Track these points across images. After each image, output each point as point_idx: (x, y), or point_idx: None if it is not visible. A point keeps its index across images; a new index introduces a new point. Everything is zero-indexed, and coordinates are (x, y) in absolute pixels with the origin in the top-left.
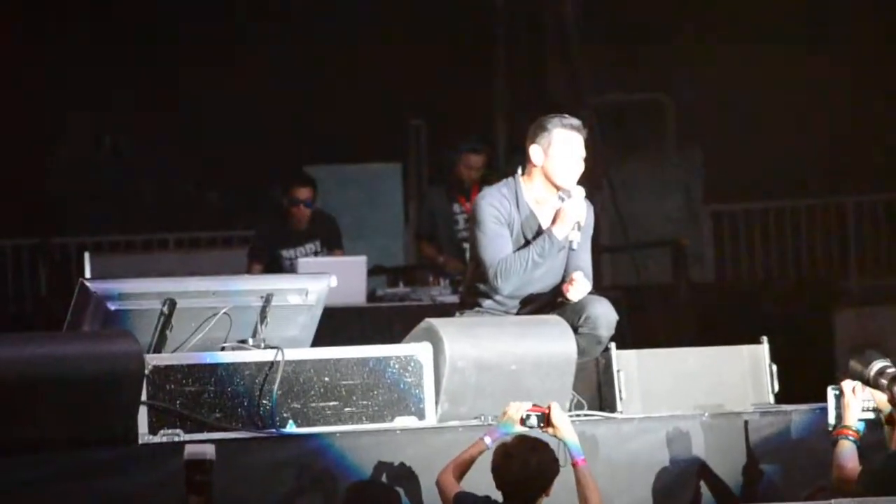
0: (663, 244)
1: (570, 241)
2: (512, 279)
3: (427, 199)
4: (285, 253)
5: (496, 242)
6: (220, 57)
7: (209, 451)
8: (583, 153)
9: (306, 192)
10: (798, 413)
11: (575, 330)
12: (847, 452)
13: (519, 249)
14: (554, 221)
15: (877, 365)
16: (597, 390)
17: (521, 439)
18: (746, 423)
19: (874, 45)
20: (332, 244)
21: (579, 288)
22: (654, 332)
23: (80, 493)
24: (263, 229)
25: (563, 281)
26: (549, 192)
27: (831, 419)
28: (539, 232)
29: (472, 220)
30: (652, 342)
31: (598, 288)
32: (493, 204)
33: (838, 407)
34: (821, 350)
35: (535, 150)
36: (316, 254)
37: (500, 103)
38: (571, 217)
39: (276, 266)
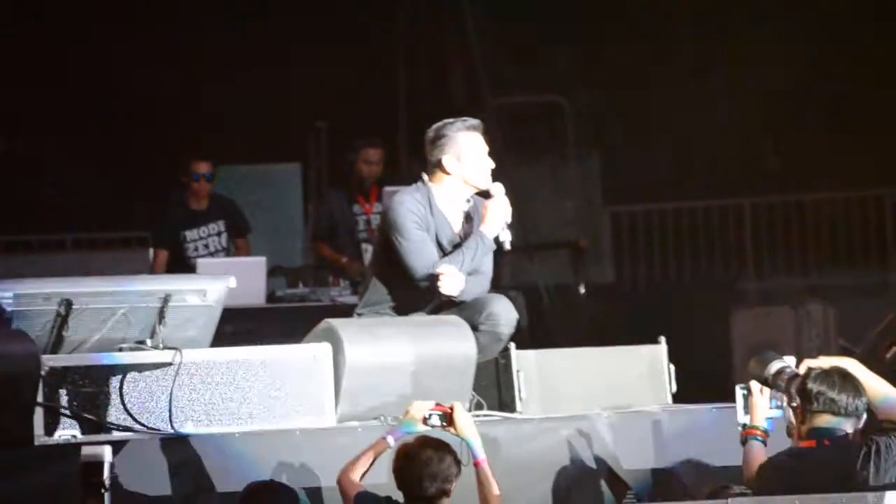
0: (562, 246)
1: (502, 242)
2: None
3: (326, 200)
4: (189, 234)
5: (423, 248)
6: (115, 53)
7: (105, 452)
8: (487, 149)
9: (206, 167)
10: (696, 412)
11: (476, 328)
12: (756, 452)
13: (449, 254)
14: (483, 221)
15: (775, 366)
16: (496, 390)
17: (423, 440)
18: (656, 417)
19: (774, 44)
20: (236, 223)
21: (448, 282)
22: (554, 333)
23: None
24: (165, 213)
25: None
26: (459, 195)
27: (740, 419)
28: (452, 236)
29: (390, 226)
30: (551, 342)
31: (498, 287)
32: (412, 210)
33: (746, 406)
34: (718, 350)
35: (448, 161)
36: (220, 234)
37: (401, 105)
38: (499, 216)
39: (179, 251)
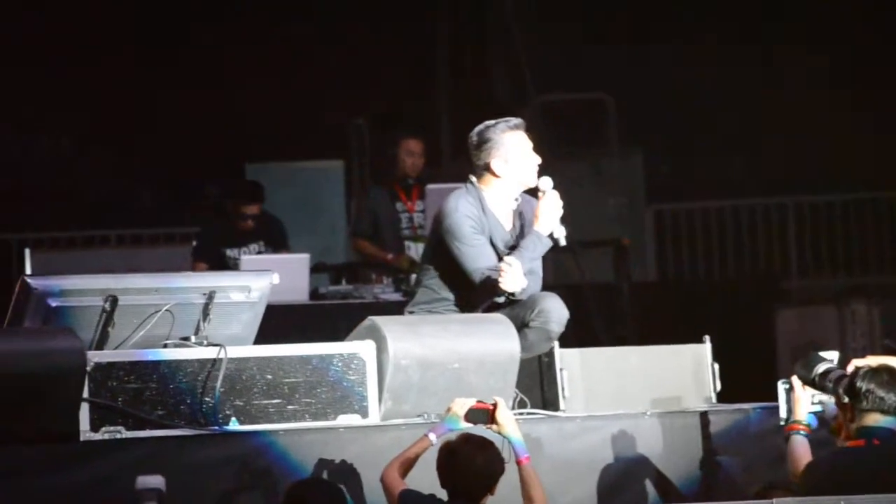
0: (605, 244)
1: (557, 238)
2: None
3: (368, 197)
4: (230, 252)
5: (484, 252)
6: (159, 56)
7: (159, 481)
8: (531, 145)
9: (255, 209)
10: (741, 412)
11: (526, 324)
12: (800, 447)
13: (506, 255)
14: (535, 220)
15: (821, 367)
16: (540, 389)
17: (466, 438)
18: (701, 417)
19: (820, 43)
20: (277, 245)
21: (511, 275)
22: (597, 332)
23: (20, 491)
24: (208, 230)
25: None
26: (509, 196)
27: (783, 413)
28: (505, 236)
29: (446, 231)
30: (594, 341)
31: (542, 286)
32: (468, 214)
33: (789, 401)
34: (762, 349)
35: (497, 164)
36: (259, 253)
37: (443, 103)
38: (552, 212)
39: (220, 265)
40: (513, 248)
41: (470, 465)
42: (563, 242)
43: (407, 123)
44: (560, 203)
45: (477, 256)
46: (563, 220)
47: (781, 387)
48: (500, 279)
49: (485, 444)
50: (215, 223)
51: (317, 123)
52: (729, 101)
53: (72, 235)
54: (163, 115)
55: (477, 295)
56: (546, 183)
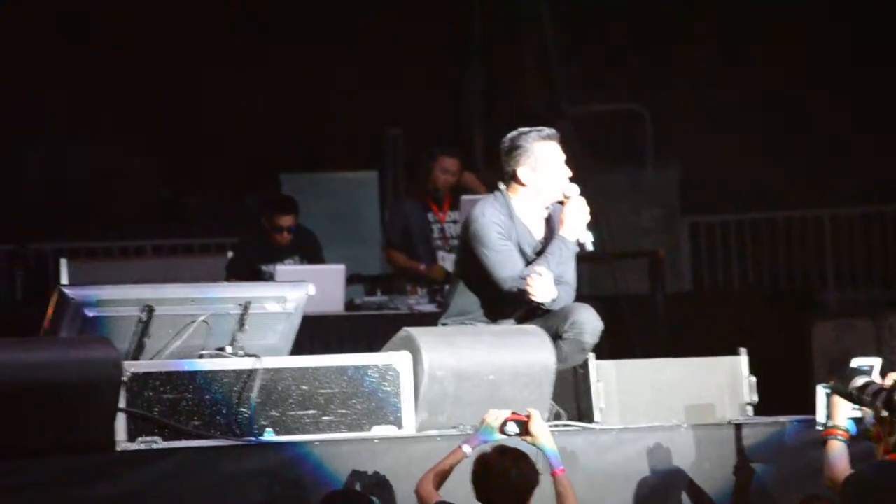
0: (640, 255)
1: (583, 243)
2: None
3: (399, 209)
4: (265, 268)
5: (510, 258)
6: (197, 66)
7: None
8: (563, 157)
9: (289, 220)
10: (777, 424)
11: (560, 336)
12: (837, 452)
13: (532, 262)
14: (561, 225)
15: (859, 381)
16: (575, 401)
17: (501, 450)
18: (737, 429)
19: (851, 57)
20: (312, 259)
21: (539, 284)
22: (632, 344)
23: (56, 501)
24: (243, 246)
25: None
26: (537, 204)
27: (821, 418)
28: (534, 244)
29: (473, 237)
30: (629, 353)
31: (576, 297)
32: (495, 221)
33: (828, 406)
34: (798, 362)
35: (524, 172)
36: None
37: (477, 113)
38: (577, 218)
39: (255, 278)
40: (541, 255)
41: (504, 478)
42: (589, 247)
43: (440, 134)
44: (586, 208)
45: (503, 263)
46: (598, 231)
47: (821, 391)
48: (529, 289)
49: (519, 457)
50: (251, 239)
51: (351, 134)
52: (765, 112)
53: (108, 245)
54: (199, 126)
55: (507, 303)
56: (572, 189)
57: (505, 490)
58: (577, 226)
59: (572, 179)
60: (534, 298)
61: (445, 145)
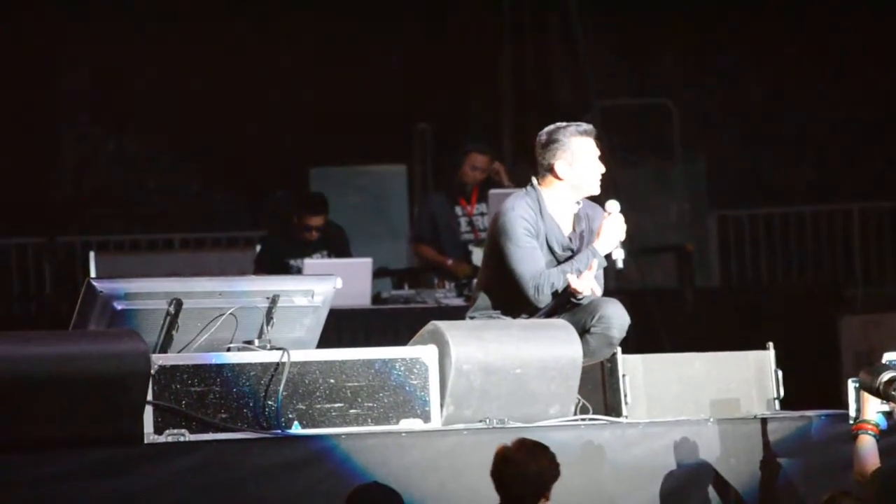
0: (669, 249)
1: (615, 260)
2: (551, 294)
3: (427, 202)
4: (293, 262)
5: (532, 256)
6: (225, 59)
7: None
8: (598, 153)
9: (319, 220)
10: (804, 419)
11: (587, 330)
12: (867, 447)
13: (557, 265)
14: (597, 237)
15: (886, 376)
16: (602, 394)
17: (521, 444)
18: (764, 423)
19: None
20: (340, 254)
21: (580, 280)
22: (659, 338)
23: (84, 493)
24: (272, 242)
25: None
26: (569, 200)
27: (852, 412)
28: (563, 240)
29: (500, 231)
30: (657, 347)
31: (604, 292)
32: (524, 216)
33: (858, 400)
34: (826, 357)
35: (560, 167)
36: None
37: (506, 106)
38: (615, 234)
39: (283, 272)
40: (568, 251)
41: (523, 473)
42: (619, 265)
43: (469, 128)
44: (624, 227)
45: (524, 258)
46: (626, 226)
47: (851, 385)
48: (572, 285)
49: (538, 451)
50: (279, 234)
51: (380, 128)
52: (794, 106)
53: (135, 238)
54: (228, 119)
55: (523, 299)
56: (614, 206)
57: (522, 484)
58: (612, 242)
59: (604, 175)
60: (576, 291)
61: (477, 141)
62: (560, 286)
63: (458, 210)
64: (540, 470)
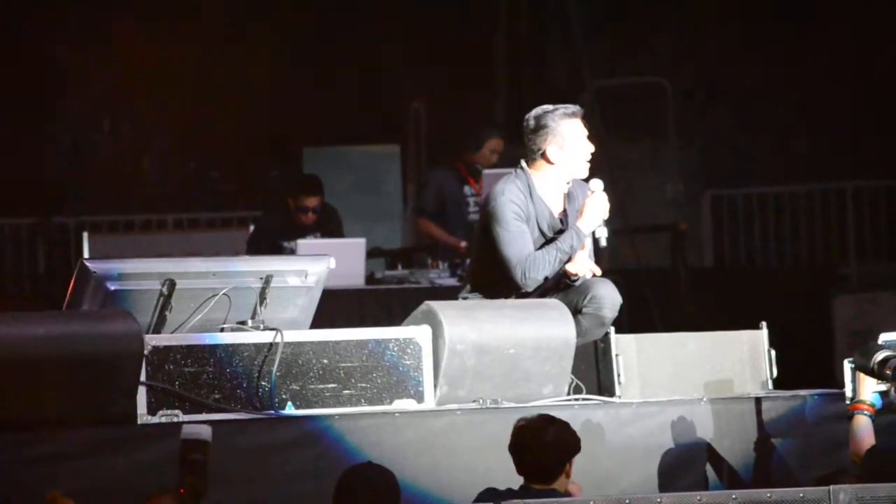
0: (662, 228)
1: (598, 238)
2: (539, 276)
3: (434, 177)
4: (286, 244)
5: (520, 239)
6: (219, 38)
7: (205, 431)
8: (587, 133)
9: (315, 201)
10: (797, 398)
11: (579, 310)
12: (863, 427)
13: (544, 245)
14: (580, 216)
15: (880, 355)
16: (596, 374)
17: (539, 416)
18: (757, 403)
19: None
20: (332, 236)
21: (580, 261)
22: (652, 317)
23: (78, 473)
24: (266, 224)
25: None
26: (559, 181)
27: (848, 392)
28: (553, 221)
29: (490, 215)
30: (650, 327)
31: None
32: (513, 200)
33: (854, 381)
34: (820, 336)
35: (552, 151)
36: None
37: (500, 86)
38: (597, 213)
39: (276, 254)
40: (559, 233)
41: (540, 440)
42: (603, 243)
43: (463, 108)
44: (607, 206)
45: (512, 241)
46: (620, 205)
47: (847, 365)
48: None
49: (555, 419)
50: (273, 216)
51: (374, 107)
52: (787, 86)
53: (129, 219)
54: (221, 99)
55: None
56: (597, 184)
57: (541, 452)
58: (594, 220)
59: (598, 154)
60: (572, 274)
61: (496, 127)
62: (548, 267)
63: (468, 190)
64: (559, 442)
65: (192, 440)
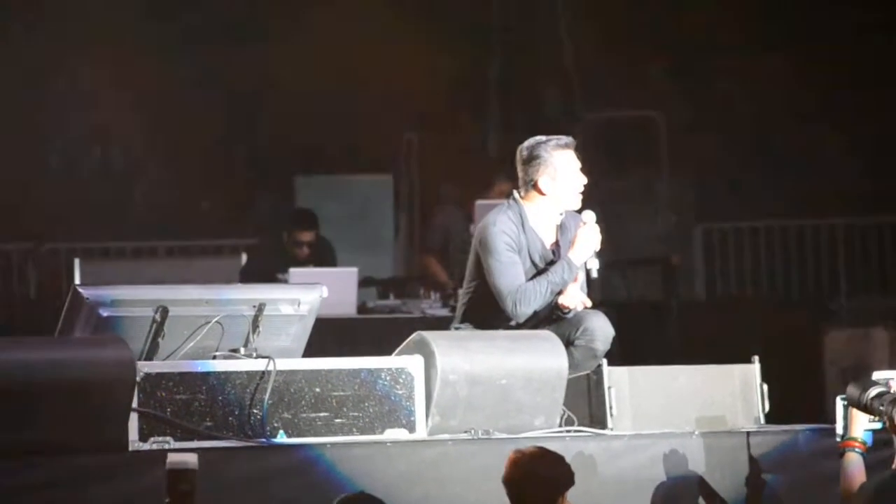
0: (654, 262)
1: (590, 269)
2: (530, 308)
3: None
4: (280, 276)
5: (511, 271)
6: (213, 66)
7: (192, 460)
8: (580, 165)
9: (309, 236)
10: (789, 433)
11: (571, 342)
12: (853, 465)
13: (535, 276)
14: (571, 247)
15: (873, 390)
16: (588, 406)
17: (535, 449)
18: (748, 437)
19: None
20: (323, 264)
21: (572, 294)
22: (644, 350)
23: (68, 500)
24: (259, 256)
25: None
26: (550, 212)
27: (839, 430)
28: (545, 252)
29: (482, 245)
30: (642, 360)
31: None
32: (505, 231)
33: (846, 417)
34: (811, 370)
35: (544, 182)
36: None
37: (493, 116)
38: (589, 244)
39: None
40: (551, 264)
41: (535, 473)
42: (594, 275)
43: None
44: (599, 237)
45: (503, 272)
46: (611, 237)
47: (839, 402)
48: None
49: (551, 456)
50: (267, 249)
51: (366, 137)
52: (780, 120)
53: (121, 246)
54: (213, 127)
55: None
56: (589, 216)
57: (538, 487)
58: (586, 252)
59: (590, 186)
60: (564, 303)
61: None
62: (540, 298)
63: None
64: (552, 475)
65: (179, 470)
